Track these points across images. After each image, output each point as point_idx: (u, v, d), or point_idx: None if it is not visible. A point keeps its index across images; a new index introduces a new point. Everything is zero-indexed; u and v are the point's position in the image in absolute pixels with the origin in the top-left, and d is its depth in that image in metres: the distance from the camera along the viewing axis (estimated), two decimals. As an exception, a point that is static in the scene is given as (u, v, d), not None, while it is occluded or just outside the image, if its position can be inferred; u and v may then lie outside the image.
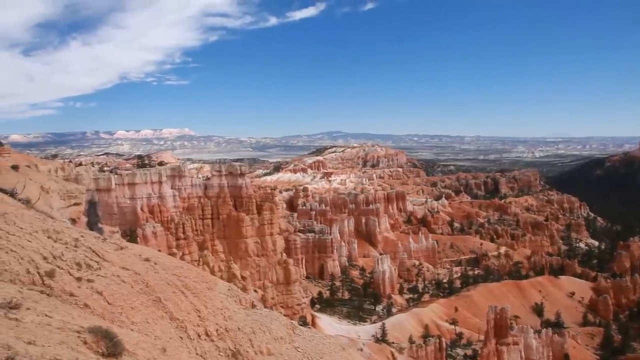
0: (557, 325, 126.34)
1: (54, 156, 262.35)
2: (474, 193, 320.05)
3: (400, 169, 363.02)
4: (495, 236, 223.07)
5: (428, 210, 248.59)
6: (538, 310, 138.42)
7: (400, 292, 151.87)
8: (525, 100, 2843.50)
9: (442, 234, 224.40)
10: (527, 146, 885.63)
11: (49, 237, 10.53)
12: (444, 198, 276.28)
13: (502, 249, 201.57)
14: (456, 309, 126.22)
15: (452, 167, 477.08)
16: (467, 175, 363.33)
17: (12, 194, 17.80)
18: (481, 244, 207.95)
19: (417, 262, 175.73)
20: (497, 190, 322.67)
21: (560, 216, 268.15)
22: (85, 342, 6.53)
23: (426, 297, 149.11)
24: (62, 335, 6.32)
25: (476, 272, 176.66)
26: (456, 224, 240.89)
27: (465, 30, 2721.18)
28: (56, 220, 13.72)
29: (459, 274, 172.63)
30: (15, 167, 33.54)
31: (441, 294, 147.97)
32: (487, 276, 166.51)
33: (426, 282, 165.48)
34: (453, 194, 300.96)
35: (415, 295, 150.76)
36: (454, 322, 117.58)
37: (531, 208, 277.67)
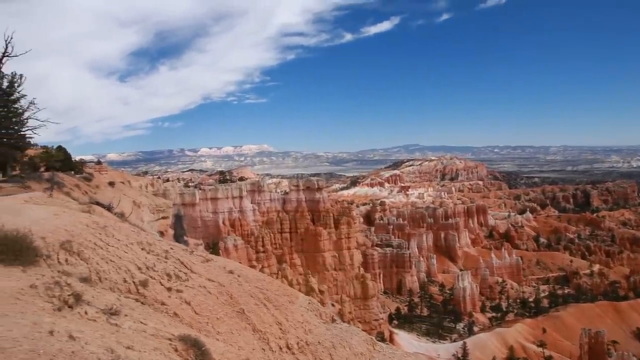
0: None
1: (145, 173, 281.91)
2: (562, 206, 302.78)
3: (480, 182, 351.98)
4: (587, 253, 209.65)
5: (511, 224, 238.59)
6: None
7: (482, 310, 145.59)
8: (618, 106, 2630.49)
9: (526, 249, 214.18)
10: (622, 155, 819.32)
11: (142, 249, 11.24)
12: (528, 212, 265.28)
13: (596, 267, 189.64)
14: (544, 330, 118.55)
15: (536, 179, 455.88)
16: (554, 187, 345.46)
17: (109, 208, 19.31)
18: (571, 261, 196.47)
19: (500, 279, 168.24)
20: (588, 204, 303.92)
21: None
22: (176, 350, 6.86)
23: (510, 316, 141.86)
24: (155, 342, 6.69)
25: (566, 292, 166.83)
26: (542, 240, 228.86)
27: (546, 34, 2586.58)
28: (148, 233, 14.63)
29: (547, 293, 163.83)
30: (111, 184, 36.37)
31: (527, 314, 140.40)
32: (579, 296, 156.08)
33: (510, 300, 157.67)
34: (538, 208, 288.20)
35: (499, 314, 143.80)
36: (542, 345, 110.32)
37: (628, 222, 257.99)
